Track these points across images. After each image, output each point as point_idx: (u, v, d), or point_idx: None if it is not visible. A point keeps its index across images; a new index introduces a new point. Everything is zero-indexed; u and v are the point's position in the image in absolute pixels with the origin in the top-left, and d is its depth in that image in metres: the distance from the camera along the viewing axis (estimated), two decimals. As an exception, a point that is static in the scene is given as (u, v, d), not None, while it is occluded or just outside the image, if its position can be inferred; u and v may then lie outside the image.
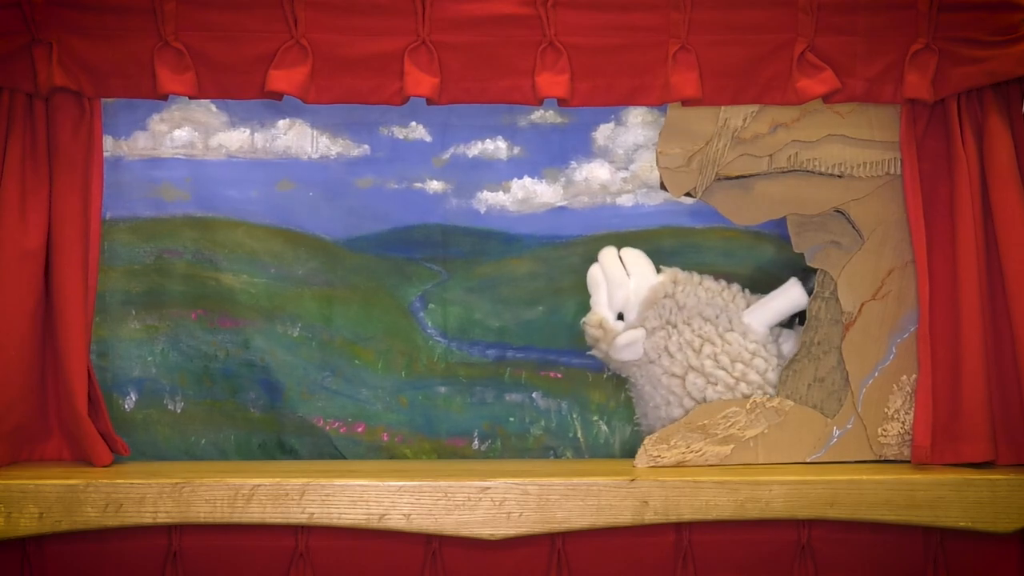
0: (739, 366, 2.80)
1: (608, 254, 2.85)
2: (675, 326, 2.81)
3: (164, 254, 2.93)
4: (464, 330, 3.01)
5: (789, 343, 2.86)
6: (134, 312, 2.94)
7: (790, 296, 2.86)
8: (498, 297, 3.00)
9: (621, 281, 2.83)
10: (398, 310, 3.01)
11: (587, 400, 3.01)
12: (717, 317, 2.83)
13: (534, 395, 3.01)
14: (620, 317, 2.84)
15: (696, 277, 2.86)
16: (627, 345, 2.79)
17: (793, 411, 2.76)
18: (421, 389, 3.00)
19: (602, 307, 2.83)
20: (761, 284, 2.96)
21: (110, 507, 2.48)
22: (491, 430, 3.01)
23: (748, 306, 2.86)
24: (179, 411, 2.95)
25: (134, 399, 2.94)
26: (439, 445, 3.00)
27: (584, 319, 2.85)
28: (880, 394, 2.76)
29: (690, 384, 2.79)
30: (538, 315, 3.01)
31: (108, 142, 2.83)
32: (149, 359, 2.94)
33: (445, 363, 3.01)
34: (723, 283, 2.88)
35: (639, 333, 2.80)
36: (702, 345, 2.80)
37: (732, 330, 2.82)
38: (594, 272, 2.85)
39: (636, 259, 2.85)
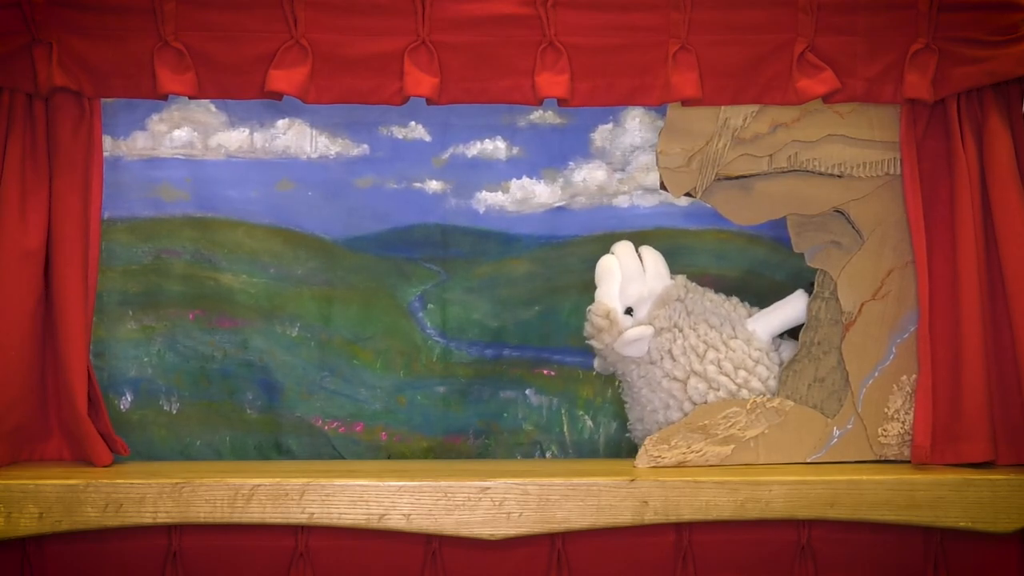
0: (742, 373, 2.79)
1: (626, 247, 2.84)
2: (681, 330, 2.80)
3: (162, 254, 2.93)
4: (463, 330, 3.01)
5: (788, 352, 2.86)
6: (131, 312, 2.93)
7: (796, 307, 2.85)
8: (497, 297, 3.00)
9: (636, 276, 2.82)
10: (397, 310, 3.01)
11: (575, 396, 3.02)
12: (722, 324, 2.83)
13: (527, 392, 3.01)
14: (627, 312, 2.83)
15: (701, 289, 2.86)
16: (635, 341, 2.78)
17: (793, 411, 2.76)
18: (420, 389, 3.01)
19: (612, 298, 2.81)
20: (753, 286, 2.97)
21: (110, 507, 2.48)
22: (485, 426, 3.01)
23: (750, 316, 2.86)
24: (175, 412, 2.95)
25: (130, 400, 2.94)
26: (436, 443, 3.00)
27: (590, 307, 2.83)
28: (880, 394, 2.76)
29: (691, 388, 2.78)
30: (535, 315, 3.02)
31: (107, 142, 2.82)
32: (145, 359, 2.94)
33: (444, 363, 3.01)
34: (723, 296, 2.88)
35: (649, 330, 2.79)
36: (706, 351, 2.80)
37: (736, 337, 2.82)
38: (608, 262, 2.82)
39: (655, 258, 2.84)
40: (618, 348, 2.80)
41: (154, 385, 2.95)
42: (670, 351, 2.80)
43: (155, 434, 2.94)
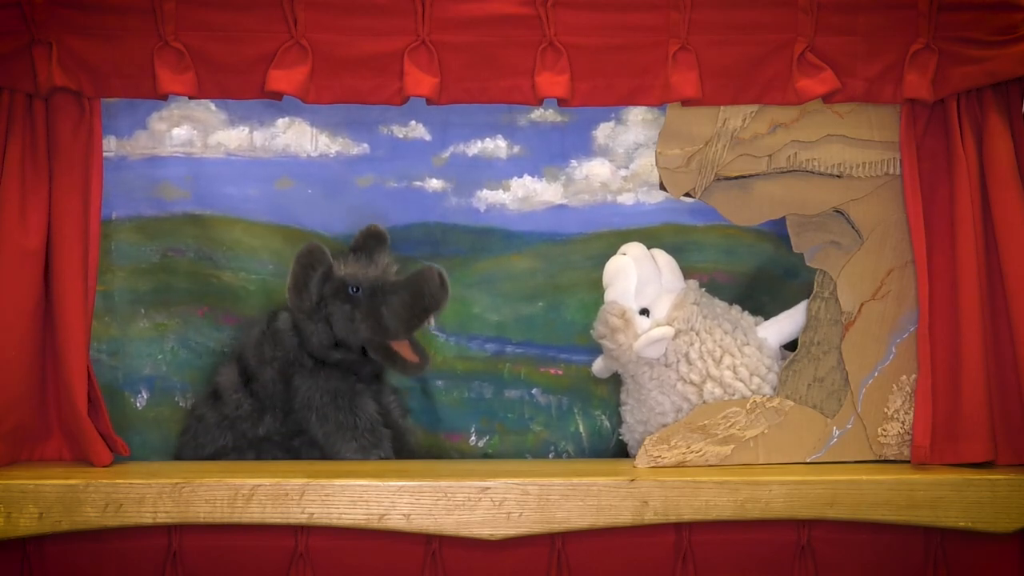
0: (756, 380, 2.78)
1: (639, 248, 2.82)
2: (698, 333, 2.79)
3: (169, 252, 2.94)
4: (463, 325, 3.01)
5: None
6: (143, 311, 2.95)
7: (804, 316, 2.83)
8: (497, 292, 3.00)
9: (654, 277, 2.80)
10: (397, 307, 3.02)
11: (589, 396, 3.01)
12: (734, 330, 2.82)
13: (533, 391, 3.01)
14: (641, 313, 2.81)
15: (708, 294, 2.86)
16: (657, 341, 2.75)
17: (793, 411, 2.75)
18: (419, 383, 3.01)
19: (627, 298, 2.80)
20: (762, 282, 2.97)
21: (110, 507, 2.48)
22: (489, 425, 3.02)
23: (756, 324, 2.86)
24: (190, 407, 2.95)
25: (146, 397, 2.95)
26: (436, 440, 3.00)
27: (604, 307, 2.82)
28: (880, 394, 2.75)
29: (707, 393, 2.77)
30: (538, 310, 3.02)
31: (112, 142, 2.84)
32: (159, 357, 2.96)
33: (442, 356, 3.01)
34: (726, 303, 2.88)
35: (670, 331, 2.76)
36: (722, 355, 2.78)
37: (748, 344, 2.81)
38: (622, 262, 2.80)
39: (669, 260, 2.84)
40: (638, 349, 2.77)
41: (169, 382, 2.96)
42: (687, 355, 2.79)
43: (172, 431, 2.95)
